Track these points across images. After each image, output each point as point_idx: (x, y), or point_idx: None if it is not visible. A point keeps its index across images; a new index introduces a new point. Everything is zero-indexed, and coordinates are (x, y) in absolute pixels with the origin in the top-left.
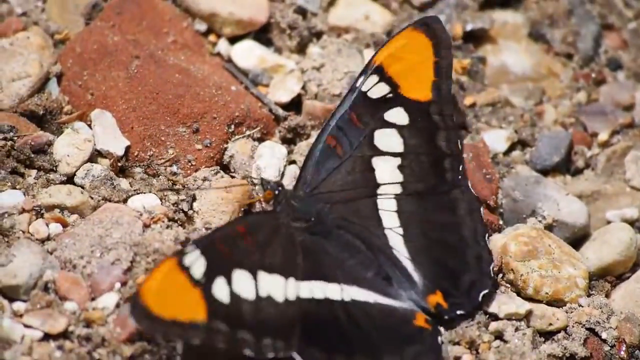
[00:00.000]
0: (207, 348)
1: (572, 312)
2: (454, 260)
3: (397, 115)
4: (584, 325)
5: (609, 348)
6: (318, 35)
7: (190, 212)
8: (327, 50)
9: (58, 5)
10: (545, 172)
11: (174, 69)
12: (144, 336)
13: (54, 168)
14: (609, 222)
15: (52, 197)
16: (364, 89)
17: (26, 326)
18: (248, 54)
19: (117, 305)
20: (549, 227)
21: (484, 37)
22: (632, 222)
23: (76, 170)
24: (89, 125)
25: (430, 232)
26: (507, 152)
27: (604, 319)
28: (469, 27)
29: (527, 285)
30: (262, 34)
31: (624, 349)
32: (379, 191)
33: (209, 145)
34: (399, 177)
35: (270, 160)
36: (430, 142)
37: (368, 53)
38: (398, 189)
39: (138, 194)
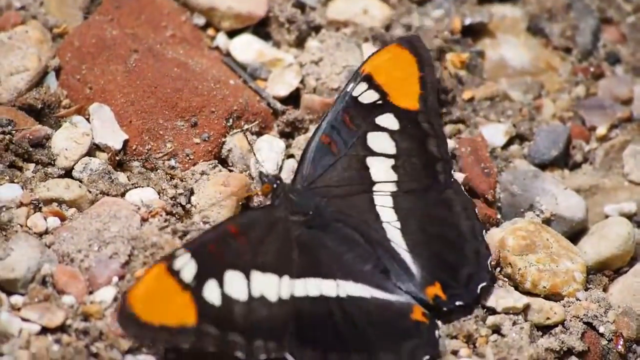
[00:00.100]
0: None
1: (569, 306)
2: (452, 253)
3: (388, 120)
4: (582, 319)
5: (607, 342)
6: (317, 29)
7: (188, 206)
8: (326, 44)
9: None
10: (543, 166)
11: (173, 62)
12: None
13: (52, 162)
14: (607, 216)
15: (50, 191)
16: (354, 94)
17: (24, 320)
18: (246, 48)
19: (115, 299)
20: (547, 221)
21: (482, 31)
22: (630, 216)
23: (74, 164)
24: (87, 119)
25: (428, 226)
26: (505, 146)
27: (601, 313)
28: (467, 21)
29: (525, 279)
30: (261, 28)
31: (621, 343)
32: (374, 188)
33: (207, 139)
34: (394, 177)
35: (269, 154)
36: (422, 146)
37: (366, 47)
38: (393, 187)
39: (136, 187)
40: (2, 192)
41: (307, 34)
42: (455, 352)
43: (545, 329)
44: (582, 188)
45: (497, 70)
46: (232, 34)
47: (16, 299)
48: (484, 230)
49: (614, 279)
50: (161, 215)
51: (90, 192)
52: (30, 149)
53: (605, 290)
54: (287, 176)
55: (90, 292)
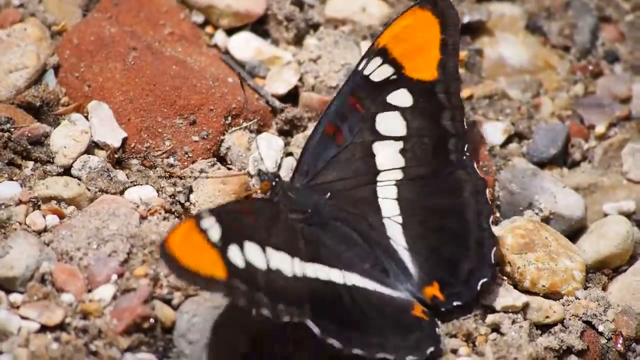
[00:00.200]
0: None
1: (568, 304)
2: (454, 246)
3: (401, 97)
4: (581, 318)
5: (606, 341)
6: (315, 27)
7: (187, 204)
8: (324, 42)
9: None
10: (542, 164)
11: (171, 60)
12: (140, 328)
13: (51, 160)
14: (605, 215)
15: (49, 189)
16: (366, 72)
17: (23, 318)
18: (245, 46)
19: (114, 297)
20: (546, 220)
21: (481, 29)
22: (628, 215)
23: (73, 162)
24: (86, 117)
25: (431, 218)
26: (504, 145)
27: (600, 312)
28: (466, 19)
29: (524, 278)
30: (259, 26)
31: (620, 341)
32: (379, 178)
33: (205, 137)
34: (401, 162)
35: (267, 152)
36: (435, 122)
37: (365, 45)
38: (399, 175)
39: (135, 185)
40: (1, 189)
41: (306, 32)
42: (454, 351)
43: (544, 327)
44: (581, 186)
45: (496, 68)
46: (230, 31)
47: (15, 297)
48: (491, 216)
49: (613, 278)
50: (160, 213)
51: (89, 190)
52: (29, 147)
53: (604, 289)
54: (285, 174)
55: (89, 290)
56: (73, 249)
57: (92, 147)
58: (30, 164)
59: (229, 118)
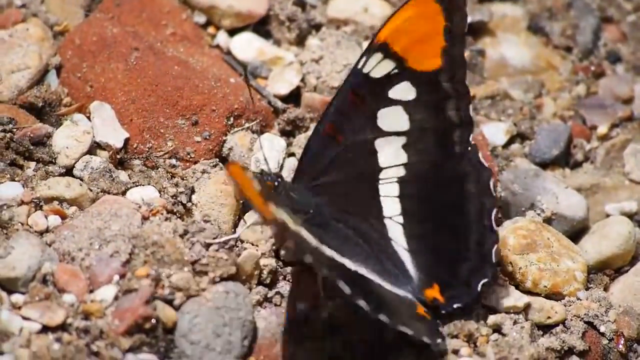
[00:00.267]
0: None
1: (570, 305)
2: (455, 246)
3: (403, 90)
4: (583, 318)
5: (608, 341)
6: (317, 27)
7: (189, 204)
8: (326, 42)
9: None
10: (544, 165)
11: (173, 61)
12: (142, 328)
13: (53, 160)
14: (607, 216)
15: (51, 189)
16: (365, 70)
17: (24, 318)
18: (247, 46)
19: (116, 298)
20: (548, 221)
21: (483, 29)
22: (630, 216)
23: (75, 162)
24: (88, 117)
25: (433, 216)
26: (506, 145)
27: (602, 313)
28: (468, 20)
29: (526, 279)
30: (261, 26)
31: (622, 342)
32: (381, 175)
33: (208, 137)
34: (403, 158)
35: (269, 153)
36: (439, 113)
37: (367, 45)
38: (402, 171)
39: (137, 186)
40: (3, 190)
41: (308, 32)
42: (456, 352)
43: (546, 328)
44: (583, 187)
45: (498, 69)
46: (232, 32)
47: (17, 298)
48: (494, 209)
49: (614, 278)
50: (162, 214)
51: (91, 190)
52: (31, 147)
53: (606, 289)
54: (288, 175)
55: (91, 291)
56: (75, 250)
57: (94, 147)
58: (33, 164)
59: (231, 118)
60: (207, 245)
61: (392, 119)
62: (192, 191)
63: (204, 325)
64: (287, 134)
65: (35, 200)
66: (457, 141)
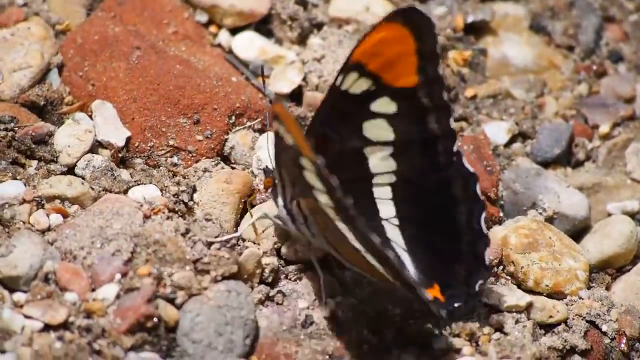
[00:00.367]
0: None
1: (572, 304)
2: (449, 248)
3: (384, 105)
4: (584, 317)
5: (609, 341)
6: (319, 26)
7: (191, 203)
8: (328, 41)
9: None
10: (546, 164)
11: (175, 59)
12: (144, 327)
13: (55, 159)
14: (609, 215)
15: (53, 188)
16: (343, 87)
17: (26, 317)
18: (249, 45)
19: (117, 296)
20: (550, 220)
21: (484, 28)
22: (632, 215)
23: (77, 161)
24: (90, 116)
25: (426, 219)
26: (507, 144)
27: (604, 312)
28: (469, 19)
29: (528, 278)
30: (263, 25)
31: (624, 341)
32: (374, 180)
33: (209, 136)
34: (392, 166)
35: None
36: (421, 126)
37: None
38: (392, 178)
39: (139, 184)
40: (5, 189)
41: (309, 31)
42: (458, 351)
43: (548, 327)
44: (584, 186)
45: (500, 68)
46: (234, 31)
47: (19, 296)
48: (483, 213)
49: (616, 278)
50: (164, 213)
51: (92, 189)
52: (33, 146)
53: (608, 288)
54: None
55: (93, 289)
56: (77, 248)
57: (96, 146)
58: (34, 163)
59: (233, 117)
60: (209, 244)
61: (377, 130)
62: (194, 190)
63: (206, 324)
64: None
65: (37, 199)
66: (441, 152)
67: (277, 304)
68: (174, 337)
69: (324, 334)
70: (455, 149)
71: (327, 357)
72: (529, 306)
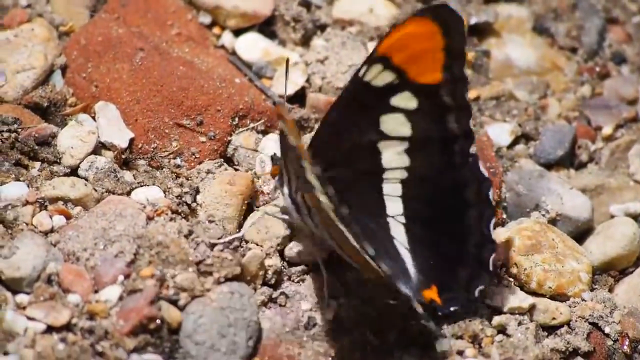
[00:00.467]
0: None
1: (575, 306)
2: (454, 251)
3: (405, 99)
4: (587, 319)
5: (612, 342)
6: (322, 28)
7: (194, 204)
8: (332, 43)
9: None
10: (549, 166)
11: (178, 61)
12: (146, 329)
13: (58, 160)
14: (612, 217)
15: (56, 189)
16: (366, 79)
17: (29, 318)
18: (252, 47)
19: (120, 298)
20: (553, 221)
21: (488, 30)
22: (635, 217)
23: (80, 163)
24: (93, 118)
25: (434, 219)
26: (510, 146)
27: (607, 314)
28: (473, 21)
29: (531, 279)
30: (267, 27)
31: (627, 343)
32: (384, 176)
33: (212, 137)
34: (406, 162)
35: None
36: (440, 124)
37: (372, 46)
38: (404, 174)
39: (142, 186)
40: (8, 190)
41: (313, 33)
42: (460, 352)
43: (550, 329)
44: (587, 188)
45: (503, 69)
46: (237, 32)
47: (22, 298)
48: (493, 219)
49: (619, 280)
50: (167, 214)
51: (96, 190)
52: (36, 147)
53: (610, 290)
54: None
55: (96, 291)
56: (80, 250)
57: (99, 147)
58: (37, 164)
59: (236, 119)
60: (212, 246)
61: (395, 124)
62: (197, 191)
63: (209, 326)
64: None
65: (40, 200)
66: (457, 152)
67: (280, 305)
68: (176, 339)
69: (327, 336)
70: (472, 150)
71: (330, 358)
72: (532, 308)
